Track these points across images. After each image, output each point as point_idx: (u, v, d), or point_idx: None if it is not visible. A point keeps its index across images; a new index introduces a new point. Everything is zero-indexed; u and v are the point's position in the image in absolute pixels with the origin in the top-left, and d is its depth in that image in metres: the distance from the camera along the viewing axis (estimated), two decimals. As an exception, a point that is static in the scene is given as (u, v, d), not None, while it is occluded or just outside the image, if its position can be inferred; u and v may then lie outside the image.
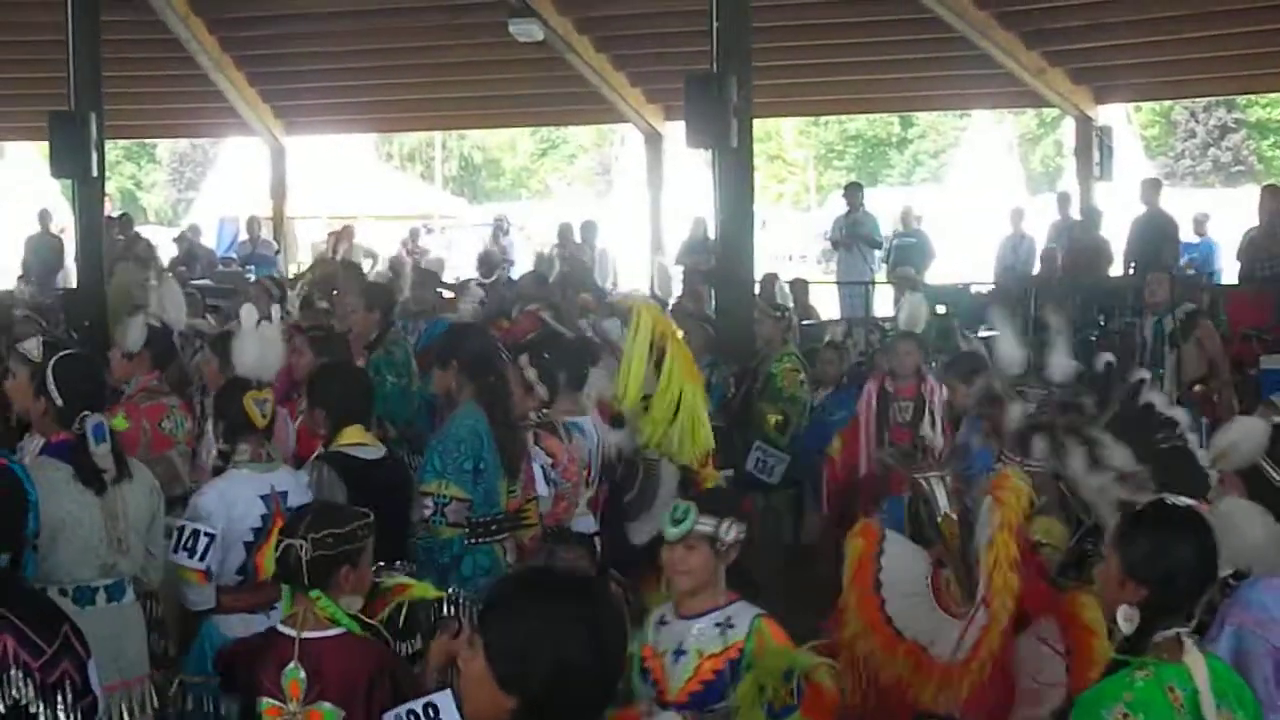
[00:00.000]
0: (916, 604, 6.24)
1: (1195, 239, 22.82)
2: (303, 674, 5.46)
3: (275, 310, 8.57)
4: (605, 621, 3.50)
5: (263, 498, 7.02)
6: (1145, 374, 7.86)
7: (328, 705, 5.44)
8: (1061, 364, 9.04)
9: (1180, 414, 6.90)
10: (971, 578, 6.21)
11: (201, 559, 6.87)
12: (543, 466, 8.07)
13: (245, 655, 5.74)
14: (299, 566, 5.55)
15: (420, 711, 5.29)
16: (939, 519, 6.46)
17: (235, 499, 6.99)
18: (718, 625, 5.77)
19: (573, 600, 3.50)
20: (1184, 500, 4.70)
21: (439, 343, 8.58)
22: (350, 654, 5.53)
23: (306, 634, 5.52)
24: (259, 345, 7.61)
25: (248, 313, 7.97)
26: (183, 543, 6.86)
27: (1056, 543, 6.79)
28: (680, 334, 9.72)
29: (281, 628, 5.63)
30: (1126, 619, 4.40)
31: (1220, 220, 23.90)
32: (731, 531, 5.73)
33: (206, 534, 6.86)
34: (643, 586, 9.23)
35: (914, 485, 6.78)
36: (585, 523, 8.50)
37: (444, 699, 5.28)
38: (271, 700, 5.51)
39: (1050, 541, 6.75)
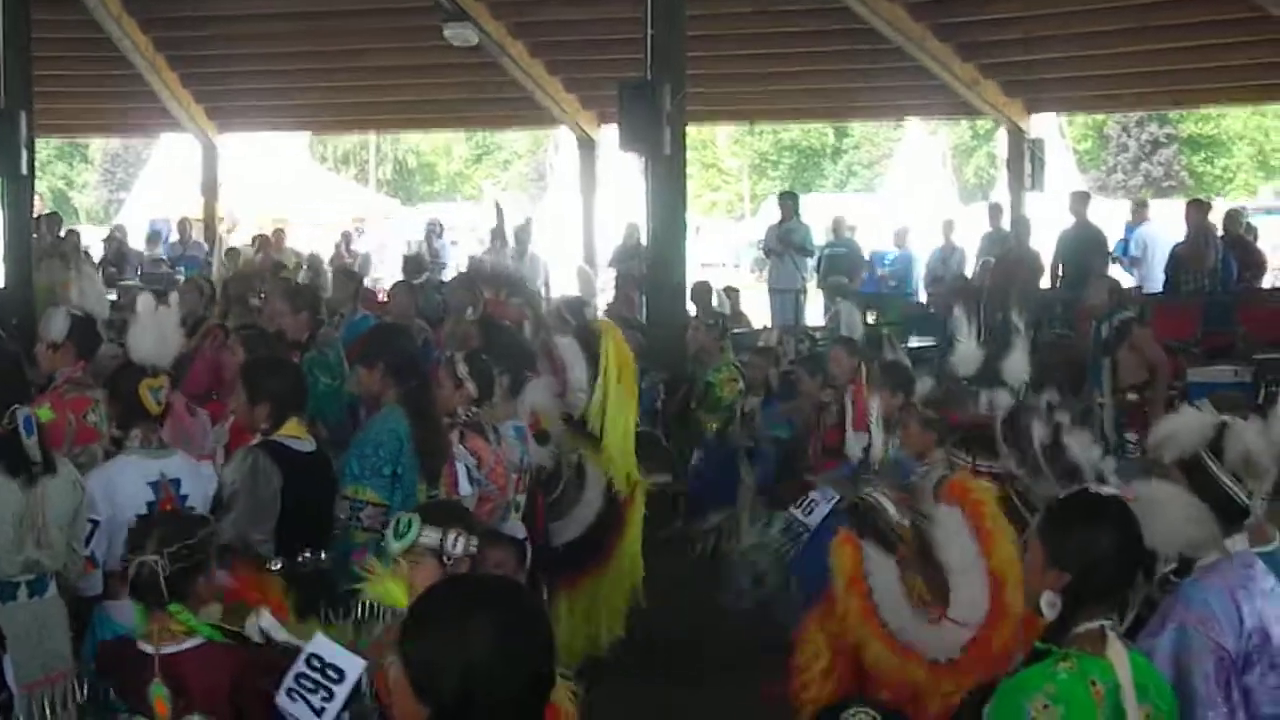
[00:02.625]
0: (900, 608, 6.29)
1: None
2: (166, 690, 5.30)
3: (173, 298, 8.43)
4: (523, 629, 3.42)
5: (151, 484, 6.95)
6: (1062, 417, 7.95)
7: (197, 717, 5.30)
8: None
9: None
10: (937, 579, 6.26)
11: (85, 545, 6.81)
12: (467, 467, 8.04)
13: (111, 666, 5.58)
14: (155, 583, 5.38)
15: (306, 669, 5.19)
16: (893, 526, 6.50)
17: (119, 485, 6.91)
18: None
19: (488, 607, 3.43)
20: (1108, 489, 4.74)
21: (365, 342, 8.55)
22: (212, 662, 5.38)
23: (165, 649, 5.37)
24: (156, 332, 7.52)
25: (144, 300, 7.89)
26: None
27: None
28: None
29: (140, 645, 5.44)
30: (1049, 605, 4.44)
31: (1150, 234, 24.05)
32: (459, 544, 5.50)
33: (90, 520, 6.82)
34: (564, 587, 9.31)
35: (860, 502, 6.82)
36: (515, 528, 8.47)
37: (318, 644, 5.24)
38: (141, 718, 5.35)
39: None
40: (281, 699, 5.21)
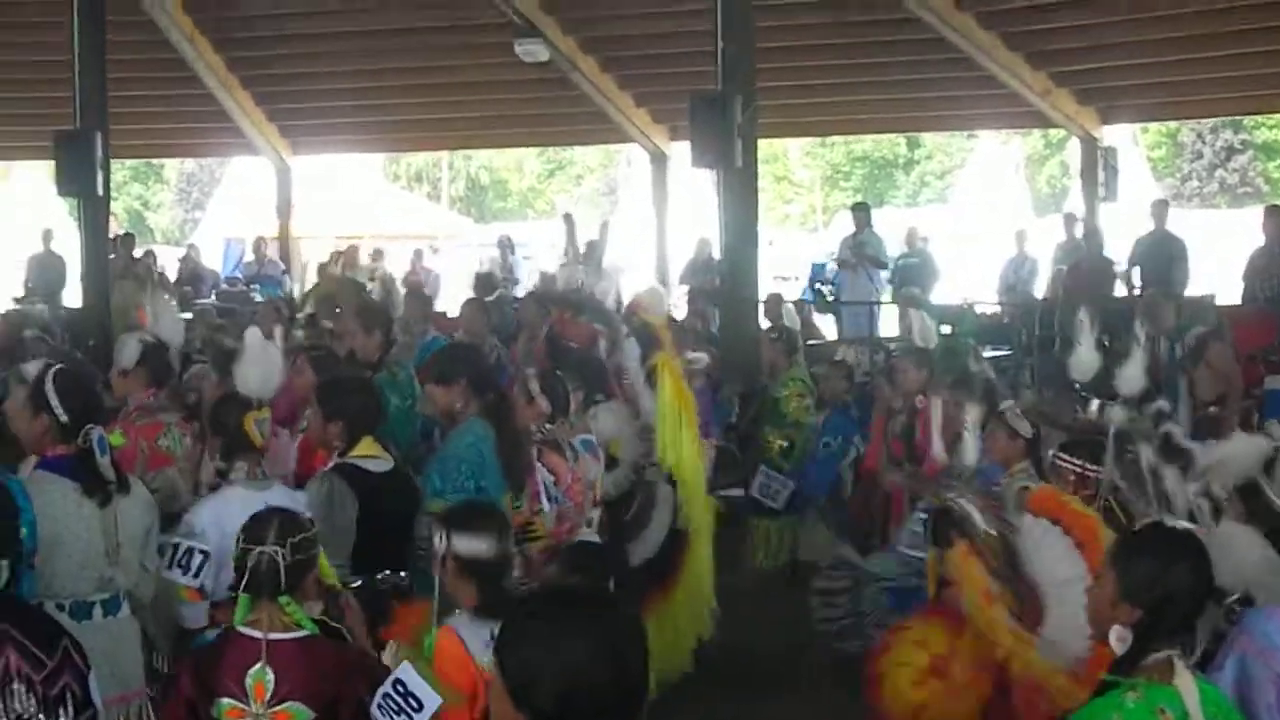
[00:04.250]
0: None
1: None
2: (270, 675, 5.42)
3: (278, 330, 8.52)
4: (621, 639, 3.44)
5: None
6: (1164, 404, 7.88)
7: (296, 705, 5.42)
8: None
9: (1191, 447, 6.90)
10: (1022, 591, 6.20)
11: (195, 576, 6.89)
12: (545, 484, 8.04)
13: (197, 664, 5.66)
14: (274, 571, 5.53)
15: (392, 691, 5.47)
16: (981, 538, 6.44)
17: (228, 516, 6.86)
18: None
19: (585, 616, 3.46)
20: (1182, 524, 4.68)
21: (439, 361, 8.54)
22: (319, 655, 5.52)
23: (274, 635, 5.48)
24: (263, 365, 7.59)
25: (253, 333, 7.95)
26: (177, 559, 6.89)
27: None
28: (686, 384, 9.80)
29: (245, 630, 5.55)
30: (1119, 639, 4.39)
31: (1227, 242, 23.88)
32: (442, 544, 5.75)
33: (200, 551, 6.88)
34: (641, 603, 9.31)
35: (946, 508, 6.77)
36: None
37: (405, 671, 5.51)
38: (232, 701, 5.45)
39: None
40: (374, 710, 5.48)
